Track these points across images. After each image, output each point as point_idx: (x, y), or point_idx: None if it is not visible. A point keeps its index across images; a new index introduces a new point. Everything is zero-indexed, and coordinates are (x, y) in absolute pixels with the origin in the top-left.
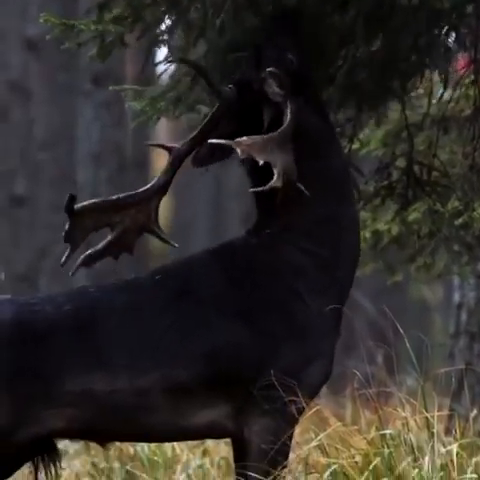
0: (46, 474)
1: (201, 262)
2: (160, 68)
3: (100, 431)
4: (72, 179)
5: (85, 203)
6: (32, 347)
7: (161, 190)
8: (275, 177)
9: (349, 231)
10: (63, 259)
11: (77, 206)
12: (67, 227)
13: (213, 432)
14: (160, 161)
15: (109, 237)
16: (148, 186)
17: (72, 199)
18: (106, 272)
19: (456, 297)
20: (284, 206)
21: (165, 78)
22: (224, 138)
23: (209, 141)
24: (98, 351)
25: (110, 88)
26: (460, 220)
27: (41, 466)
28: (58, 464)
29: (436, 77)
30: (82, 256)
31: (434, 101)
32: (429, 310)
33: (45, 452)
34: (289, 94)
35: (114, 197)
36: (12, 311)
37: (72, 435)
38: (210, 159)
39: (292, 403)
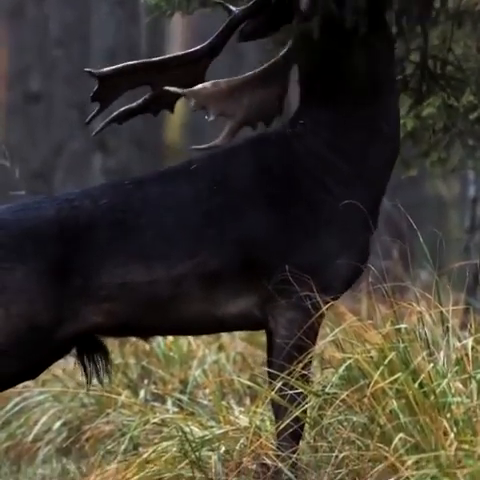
0: (96, 372)
1: (236, 151)
2: None
3: (138, 325)
4: (87, 75)
5: (119, 66)
6: (73, 243)
7: (211, 52)
8: (222, 135)
9: (381, 133)
10: (89, 117)
11: (107, 70)
12: (96, 88)
13: (246, 322)
14: None
15: (147, 95)
16: (198, 47)
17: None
18: (121, 170)
19: (471, 192)
20: (317, 100)
21: None
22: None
23: (164, 88)
24: (135, 243)
25: None
26: (475, 114)
27: (89, 364)
28: (106, 361)
29: None
30: (116, 112)
31: None
32: (445, 205)
33: (91, 350)
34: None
35: (157, 58)
36: (54, 208)
37: (111, 331)
38: (254, 34)
39: (317, 297)
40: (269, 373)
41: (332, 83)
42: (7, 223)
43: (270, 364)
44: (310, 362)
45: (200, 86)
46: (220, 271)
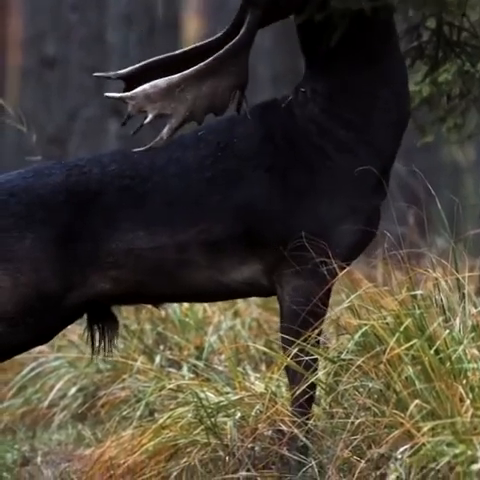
0: (102, 340)
1: (241, 118)
2: None
3: (146, 292)
4: (102, 40)
5: (142, 63)
6: (81, 209)
7: (230, 40)
8: (163, 133)
9: (382, 97)
10: (124, 120)
11: (130, 70)
12: (123, 89)
13: (253, 289)
14: (191, 22)
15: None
16: (218, 35)
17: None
18: (136, 136)
19: None
20: (316, 68)
21: None
22: None
23: (105, 94)
24: (141, 209)
25: None
26: None
27: (97, 332)
28: (114, 330)
29: None
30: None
31: None
32: (461, 172)
33: (101, 318)
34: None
35: (178, 51)
36: (63, 174)
37: (119, 298)
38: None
39: (323, 264)
40: (280, 339)
41: (329, 50)
42: (17, 190)
43: (279, 330)
44: (316, 328)
45: (139, 89)
46: (223, 238)
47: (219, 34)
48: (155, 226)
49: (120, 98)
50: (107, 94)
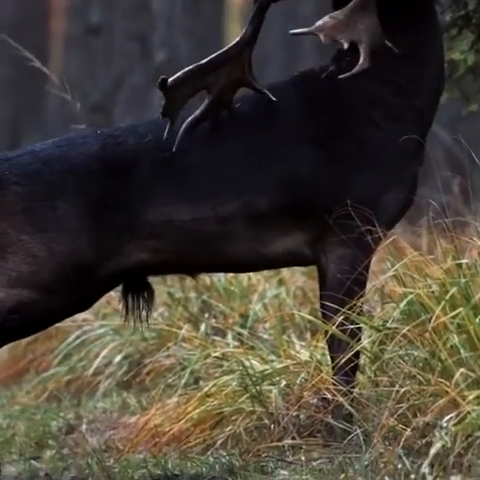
0: (139, 309)
1: (281, 89)
2: None
3: (184, 262)
4: (147, 8)
5: (178, 75)
6: (116, 179)
7: (251, 41)
8: (362, 59)
9: (430, 63)
10: (165, 134)
11: (170, 80)
12: (164, 103)
13: (294, 259)
14: None
15: (207, 99)
16: (237, 40)
17: (164, 81)
18: None
19: None
20: None
21: None
22: None
23: (291, 32)
24: (180, 181)
25: None
26: None
27: (134, 302)
28: (150, 300)
29: None
30: (184, 124)
31: None
32: None
33: (137, 289)
34: None
35: (205, 60)
36: (98, 144)
37: (157, 268)
38: None
39: (369, 233)
40: (322, 307)
41: (383, 17)
42: (51, 159)
43: (322, 298)
44: (361, 296)
45: (321, 22)
46: (267, 210)
47: (237, 38)
48: (196, 198)
49: (308, 32)
50: (293, 31)
